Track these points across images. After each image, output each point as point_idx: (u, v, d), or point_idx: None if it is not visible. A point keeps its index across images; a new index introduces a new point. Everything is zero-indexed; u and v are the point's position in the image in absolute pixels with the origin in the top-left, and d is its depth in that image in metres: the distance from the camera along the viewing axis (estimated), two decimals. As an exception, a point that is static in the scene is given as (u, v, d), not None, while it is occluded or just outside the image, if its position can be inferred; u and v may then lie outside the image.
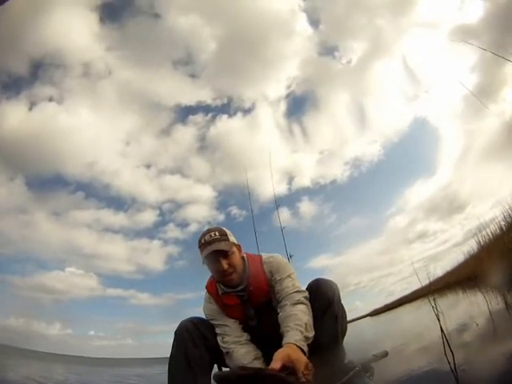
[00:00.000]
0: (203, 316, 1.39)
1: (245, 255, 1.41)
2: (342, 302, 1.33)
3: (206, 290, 1.42)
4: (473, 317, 2.73)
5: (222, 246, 1.29)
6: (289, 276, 1.33)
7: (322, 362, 1.10)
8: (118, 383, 4.66)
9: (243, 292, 1.33)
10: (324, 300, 1.26)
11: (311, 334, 1.14)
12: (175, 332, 1.30)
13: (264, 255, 1.44)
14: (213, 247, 1.28)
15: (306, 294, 1.29)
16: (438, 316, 1.22)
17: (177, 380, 1.23)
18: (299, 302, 1.22)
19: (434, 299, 1.27)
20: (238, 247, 1.39)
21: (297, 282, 1.33)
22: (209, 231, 1.34)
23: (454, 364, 1.14)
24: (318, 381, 1.04)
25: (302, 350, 1.04)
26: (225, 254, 1.29)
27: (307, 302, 1.25)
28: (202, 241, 1.32)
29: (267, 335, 1.23)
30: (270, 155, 3.68)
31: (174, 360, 1.26)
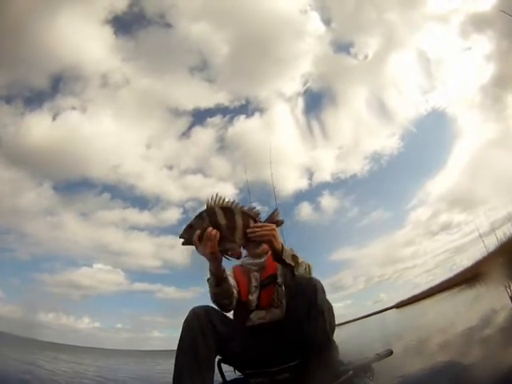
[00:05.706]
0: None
1: None
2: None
3: None
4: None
5: None
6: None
7: (316, 361, 1.16)
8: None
9: None
10: (305, 298, 1.24)
11: (289, 258, 1.30)
12: (186, 319, 1.29)
13: None
14: None
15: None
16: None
17: (184, 372, 1.21)
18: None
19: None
20: None
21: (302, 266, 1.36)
22: None
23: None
24: (315, 381, 1.09)
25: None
26: None
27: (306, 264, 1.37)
28: None
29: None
30: (271, 151, 3.59)
31: (181, 352, 1.24)
